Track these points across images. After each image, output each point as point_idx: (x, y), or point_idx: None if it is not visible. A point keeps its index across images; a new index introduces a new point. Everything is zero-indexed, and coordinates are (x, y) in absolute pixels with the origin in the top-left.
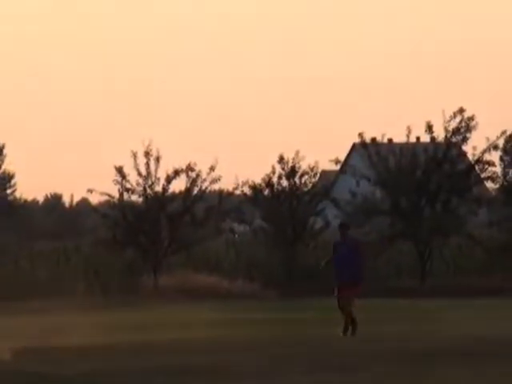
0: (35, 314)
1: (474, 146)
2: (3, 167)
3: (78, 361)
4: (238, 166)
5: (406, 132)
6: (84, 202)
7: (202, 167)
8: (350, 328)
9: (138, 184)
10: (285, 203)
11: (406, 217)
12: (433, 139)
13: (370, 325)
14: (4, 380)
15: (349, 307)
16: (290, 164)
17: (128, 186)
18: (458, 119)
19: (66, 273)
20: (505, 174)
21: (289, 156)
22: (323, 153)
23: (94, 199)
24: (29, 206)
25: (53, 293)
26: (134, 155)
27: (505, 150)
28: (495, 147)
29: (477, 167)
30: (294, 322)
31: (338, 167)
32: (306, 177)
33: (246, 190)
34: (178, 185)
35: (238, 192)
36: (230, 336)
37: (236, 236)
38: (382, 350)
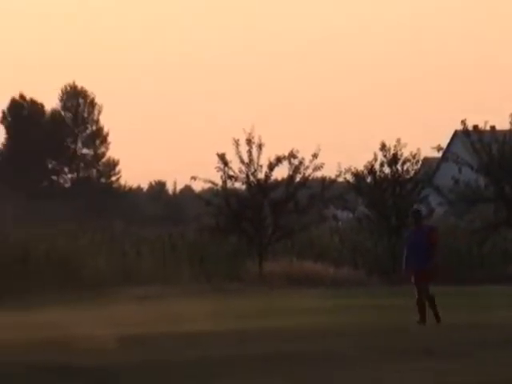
0: (141, 302)
1: None
2: (108, 154)
3: (185, 348)
4: (340, 154)
5: (510, 119)
6: (187, 189)
7: (305, 154)
8: (434, 315)
9: (240, 171)
10: (388, 190)
11: (510, 204)
12: None
13: (476, 312)
14: (111, 368)
15: (426, 294)
16: (392, 151)
17: (231, 173)
18: None
19: (171, 259)
20: None
21: (390, 143)
22: (425, 140)
23: (198, 186)
24: (133, 193)
25: (158, 280)
26: (236, 142)
27: None
28: None
29: None
30: (399, 309)
31: (439, 154)
32: (408, 164)
33: (349, 177)
34: (281, 172)
35: (340, 179)
36: (336, 323)
37: (340, 223)
38: (487, 337)
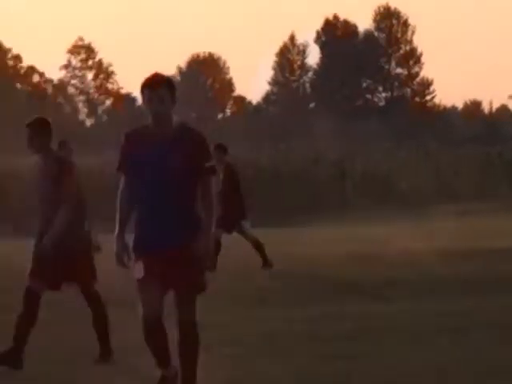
0: (459, 217)
1: None
2: (421, 74)
3: (500, 263)
4: None
5: None
6: (503, 108)
7: None
8: None
9: None
10: None
11: None
12: None
13: None
14: (426, 281)
15: None
16: None
17: None
18: None
19: (488, 177)
20: None
21: None
22: None
23: None
24: (448, 113)
25: (475, 196)
26: None
27: None
28: None
29: None
30: None
31: None
32: None
33: None
34: None
35: None
36: None
37: None
38: None
